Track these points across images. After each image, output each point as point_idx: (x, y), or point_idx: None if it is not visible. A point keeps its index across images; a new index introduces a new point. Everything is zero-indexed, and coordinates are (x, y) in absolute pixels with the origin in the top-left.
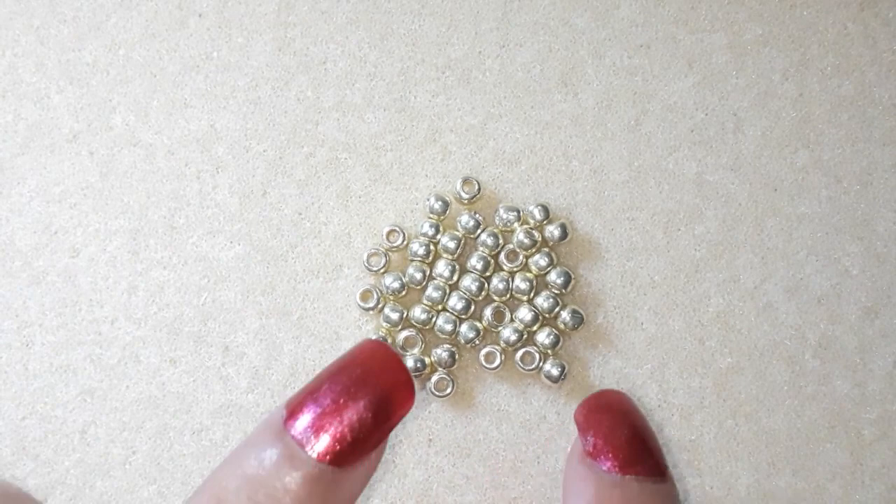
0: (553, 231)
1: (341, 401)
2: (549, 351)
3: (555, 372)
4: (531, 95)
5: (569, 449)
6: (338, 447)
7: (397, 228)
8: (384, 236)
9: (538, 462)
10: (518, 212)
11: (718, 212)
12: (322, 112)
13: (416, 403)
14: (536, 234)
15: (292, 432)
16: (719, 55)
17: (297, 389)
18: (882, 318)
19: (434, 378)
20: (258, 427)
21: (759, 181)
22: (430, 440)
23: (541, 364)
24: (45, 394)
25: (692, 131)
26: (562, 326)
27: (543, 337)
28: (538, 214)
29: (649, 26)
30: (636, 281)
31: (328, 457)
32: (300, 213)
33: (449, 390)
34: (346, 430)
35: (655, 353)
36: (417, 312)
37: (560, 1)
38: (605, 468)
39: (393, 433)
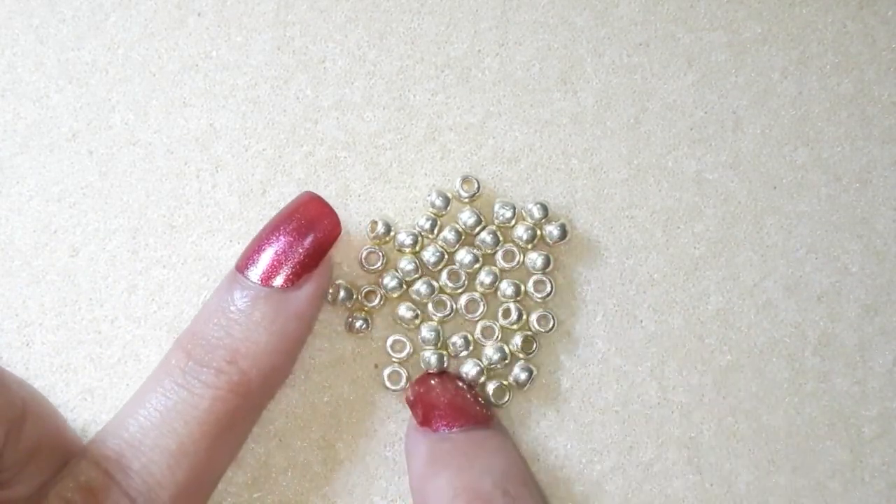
0: (552, 231)
1: (273, 236)
2: (521, 355)
3: (523, 376)
4: (530, 94)
5: (407, 425)
6: (273, 268)
7: (378, 220)
8: (367, 228)
9: (537, 460)
10: (514, 208)
11: (718, 210)
12: (321, 111)
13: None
14: (536, 230)
15: (241, 273)
16: (718, 53)
17: (295, 387)
18: (882, 316)
19: (387, 370)
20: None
21: (759, 179)
22: None
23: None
24: (46, 393)
25: (691, 129)
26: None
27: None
28: (537, 213)
29: (648, 25)
30: (636, 279)
31: (266, 277)
32: None
33: (402, 383)
34: (278, 254)
35: (655, 350)
36: (403, 311)
37: None
38: (435, 429)
39: (392, 431)
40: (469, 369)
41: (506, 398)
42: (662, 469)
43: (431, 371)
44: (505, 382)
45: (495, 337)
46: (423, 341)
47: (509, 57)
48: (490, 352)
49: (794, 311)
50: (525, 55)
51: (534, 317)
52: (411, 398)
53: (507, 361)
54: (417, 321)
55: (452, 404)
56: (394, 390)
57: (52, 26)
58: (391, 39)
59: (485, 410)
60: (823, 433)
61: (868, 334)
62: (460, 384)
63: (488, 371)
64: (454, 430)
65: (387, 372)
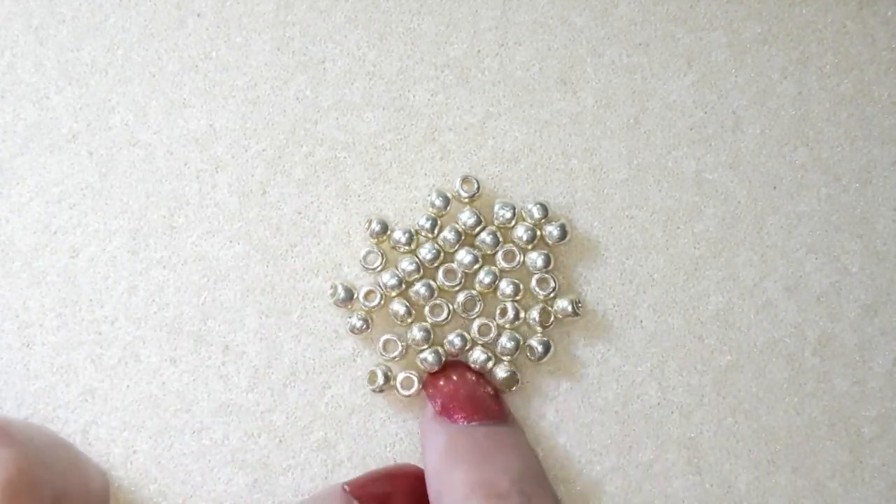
0: (552, 231)
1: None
2: (507, 357)
3: (540, 349)
4: (530, 94)
5: (424, 414)
6: None
7: (373, 218)
8: (366, 228)
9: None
10: (514, 208)
11: (718, 210)
12: (321, 111)
13: (415, 402)
14: (536, 230)
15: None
16: (718, 53)
17: (294, 387)
18: (882, 316)
19: (400, 376)
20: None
21: (759, 179)
22: None
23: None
24: (47, 394)
25: (691, 129)
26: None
27: (505, 341)
28: (537, 213)
29: (648, 24)
30: (635, 279)
31: None
32: (300, 213)
33: (414, 388)
34: None
35: (655, 350)
36: (396, 306)
37: None
38: (453, 420)
39: (392, 431)
40: (478, 356)
41: (514, 387)
42: (662, 469)
43: (432, 370)
44: (515, 370)
45: (492, 334)
46: (414, 342)
47: (509, 57)
48: (504, 340)
49: (794, 311)
50: (525, 55)
51: (534, 312)
52: (430, 387)
53: (518, 352)
54: (410, 319)
55: (472, 397)
56: (406, 395)
57: (52, 27)
58: (391, 39)
59: (503, 406)
60: (823, 433)
61: (868, 334)
62: (479, 378)
63: (497, 358)
64: (472, 423)
65: (400, 378)
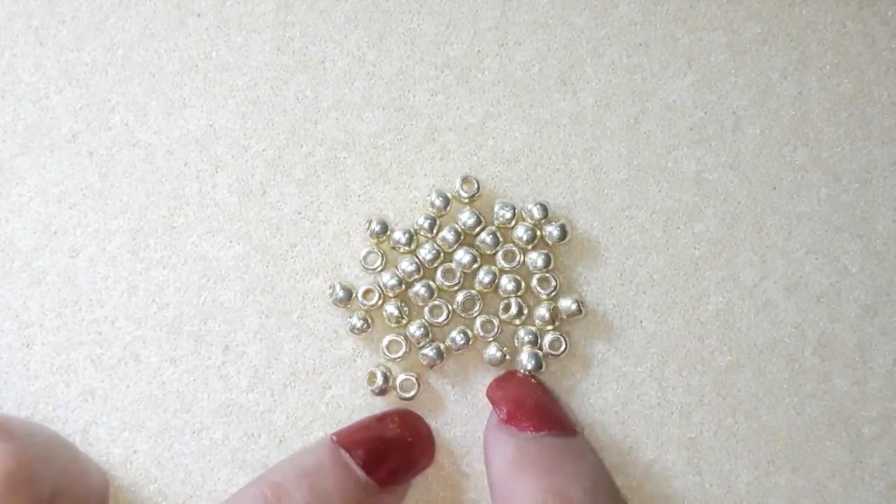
0: (552, 231)
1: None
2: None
3: (556, 344)
4: (530, 94)
5: (486, 422)
6: (383, 468)
7: (373, 218)
8: (365, 228)
9: None
10: (514, 208)
11: (718, 210)
12: (321, 111)
13: (415, 401)
14: (536, 230)
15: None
16: (718, 54)
17: (295, 387)
18: (881, 316)
19: (400, 378)
20: (311, 445)
21: (759, 179)
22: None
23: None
24: (47, 394)
25: (691, 130)
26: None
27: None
28: (537, 213)
29: (648, 25)
30: (635, 279)
31: (373, 473)
32: (300, 213)
33: (414, 391)
34: (394, 458)
35: (655, 351)
36: (391, 308)
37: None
38: (521, 429)
39: None
40: (493, 353)
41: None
42: (662, 469)
43: (434, 365)
44: (540, 356)
45: (496, 331)
46: (413, 339)
47: (509, 57)
48: (522, 333)
49: (794, 311)
50: (525, 55)
51: (542, 310)
52: (495, 393)
53: (537, 345)
54: (405, 321)
55: (540, 406)
56: (406, 398)
57: (52, 27)
58: (391, 40)
59: (570, 418)
60: (823, 433)
61: (868, 334)
62: (544, 387)
63: (546, 360)
64: (541, 433)
65: (400, 380)
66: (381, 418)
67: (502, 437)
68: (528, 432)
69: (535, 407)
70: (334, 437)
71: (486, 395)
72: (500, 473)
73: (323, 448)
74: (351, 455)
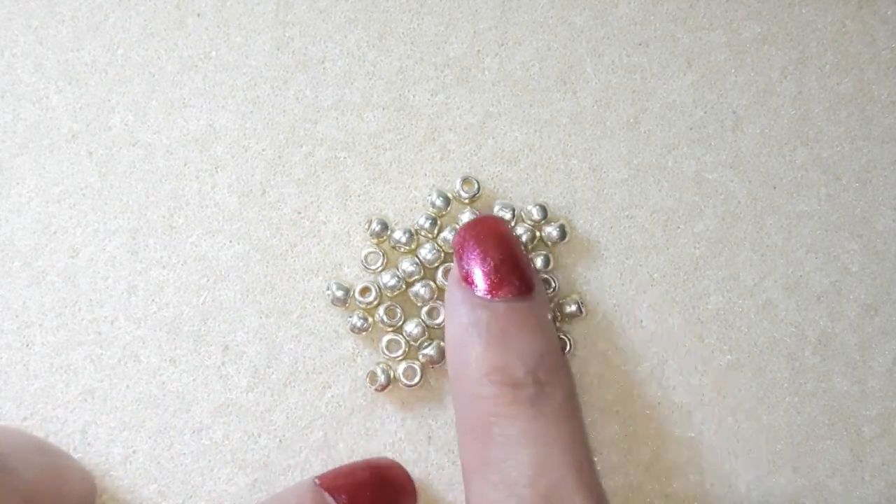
0: (552, 231)
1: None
2: None
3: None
4: (530, 94)
5: (449, 274)
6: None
7: (373, 218)
8: (366, 228)
9: None
10: (513, 209)
11: (718, 209)
12: (321, 111)
13: (415, 401)
14: (536, 231)
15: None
16: (718, 53)
17: (295, 387)
18: (881, 315)
19: (402, 367)
20: (294, 486)
21: (759, 179)
22: (430, 437)
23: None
24: (46, 394)
25: (691, 129)
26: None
27: None
28: (536, 214)
29: (648, 24)
30: (636, 279)
31: None
32: (299, 213)
33: (417, 378)
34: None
35: (655, 350)
36: (381, 312)
37: None
38: (476, 292)
39: (392, 431)
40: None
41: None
42: (662, 469)
43: (435, 364)
44: (566, 336)
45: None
46: (410, 338)
47: (509, 57)
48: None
49: (794, 310)
50: (524, 55)
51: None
52: (458, 249)
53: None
54: (400, 323)
55: (500, 269)
56: (410, 385)
57: (52, 27)
58: (391, 39)
59: (531, 279)
60: (824, 433)
61: (868, 334)
62: (511, 239)
63: None
64: (496, 299)
65: (402, 368)
66: (366, 465)
67: (460, 297)
68: (484, 296)
69: (494, 269)
70: (318, 481)
71: (452, 244)
72: (453, 337)
73: (306, 490)
74: (334, 499)
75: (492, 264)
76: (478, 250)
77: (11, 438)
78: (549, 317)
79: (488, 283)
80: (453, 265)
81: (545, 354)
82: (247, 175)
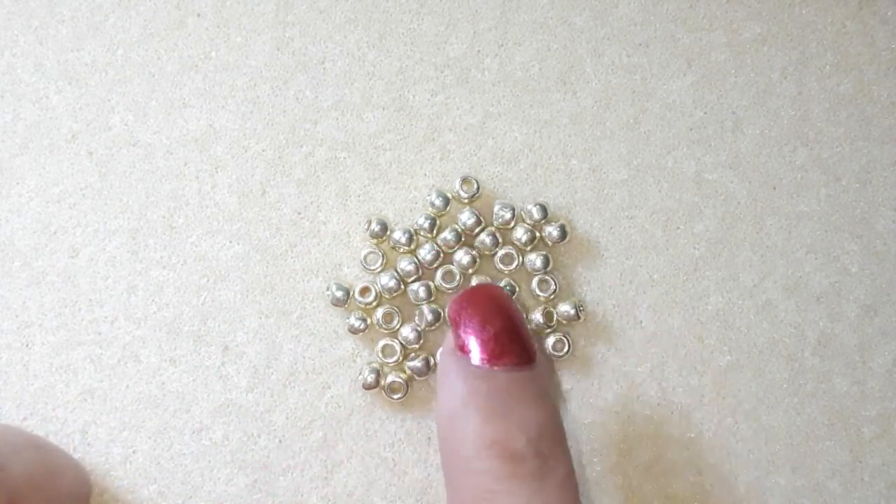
0: (552, 232)
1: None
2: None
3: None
4: (530, 94)
5: (443, 344)
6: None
7: (373, 218)
8: (365, 228)
9: None
10: (513, 209)
11: (717, 210)
12: (321, 111)
13: (415, 401)
14: (535, 231)
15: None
16: (718, 54)
17: (294, 387)
18: (881, 316)
19: (389, 379)
20: None
21: (758, 179)
22: (430, 438)
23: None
24: (46, 394)
25: (691, 130)
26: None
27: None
28: (536, 214)
29: (648, 25)
30: (635, 279)
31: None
32: (299, 213)
33: (401, 394)
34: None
35: (655, 351)
36: (380, 314)
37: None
38: (474, 363)
39: (392, 431)
40: None
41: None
42: (662, 469)
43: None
44: (565, 336)
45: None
46: (406, 342)
47: (509, 57)
48: (536, 315)
49: (793, 311)
50: (524, 55)
51: (537, 314)
52: (454, 318)
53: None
54: (397, 326)
55: (500, 337)
56: (396, 399)
57: (52, 27)
58: (391, 40)
59: (532, 347)
60: (823, 433)
61: (868, 334)
62: (510, 307)
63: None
64: (495, 368)
65: (389, 380)
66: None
67: (456, 368)
68: (483, 366)
69: (493, 337)
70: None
71: (447, 313)
72: (447, 410)
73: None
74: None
75: (492, 332)
76: (477, 318)
77: (0, 435)
78: (550, 392)
79: (488, 351)
80: (449, 333)
81: (548, 427)
82: (247, 175)
